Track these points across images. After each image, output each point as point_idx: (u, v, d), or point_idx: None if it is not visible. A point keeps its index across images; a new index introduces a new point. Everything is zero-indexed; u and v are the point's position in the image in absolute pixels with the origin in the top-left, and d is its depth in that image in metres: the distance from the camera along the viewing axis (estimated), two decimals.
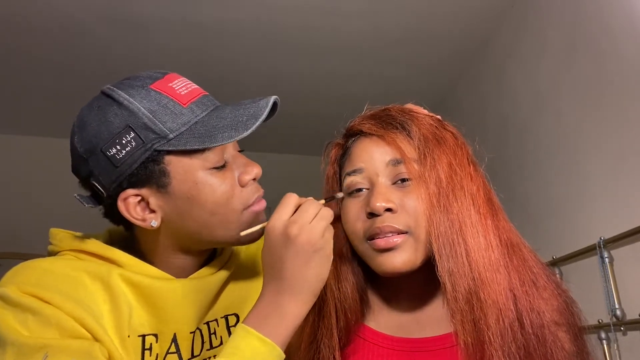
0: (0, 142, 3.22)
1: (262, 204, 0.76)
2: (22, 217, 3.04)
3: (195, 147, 0.67)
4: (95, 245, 0.73)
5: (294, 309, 0.62)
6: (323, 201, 0.70)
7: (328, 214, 0.65)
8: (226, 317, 0.80)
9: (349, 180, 0.74)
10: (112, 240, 0.79)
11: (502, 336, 0.63)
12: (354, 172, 0.73)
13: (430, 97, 2.77)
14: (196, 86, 0.73)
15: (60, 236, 0.75)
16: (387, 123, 0.74)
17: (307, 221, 0.63)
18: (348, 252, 0.76)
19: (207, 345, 0.76)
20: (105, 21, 2.20)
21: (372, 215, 0.69)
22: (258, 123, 0.68)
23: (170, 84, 0.70)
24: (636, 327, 1.40)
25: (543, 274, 0.71)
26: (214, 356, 0.75)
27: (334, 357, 0.71)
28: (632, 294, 1.41)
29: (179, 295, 0.73)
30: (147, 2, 2.09)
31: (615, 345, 1.46)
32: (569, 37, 1.76)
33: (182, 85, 0.71)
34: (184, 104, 0.69)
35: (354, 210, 0.72)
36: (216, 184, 0.71)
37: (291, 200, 0.66)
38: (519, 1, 2.09)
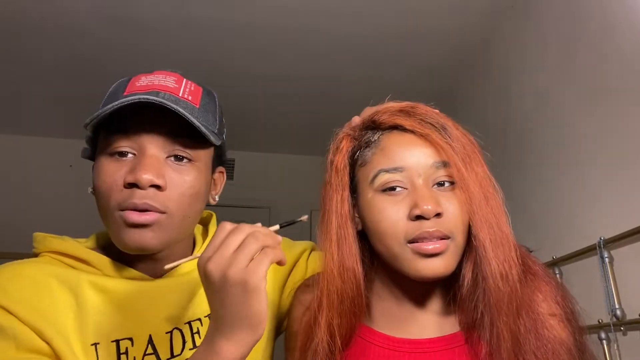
0: (0, 142, 3.22)
1: (131, 216, 0.68)
2: (21, 216, 3.04)
3: (85, 122, 0.70)
4: (71, 246, 0.74)
5: (226, 348, 0.57)
6: (259, 225, 0.61)
7: (255, 244, 0.57)
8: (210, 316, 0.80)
9: (385, 177, 0.70)
10: (99, 244, 0.79)
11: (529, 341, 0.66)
12: (394, 170, 0.70)
13: (430, 97, 2.75)
14: (167, 83, 0.73)
15: (39, 238, 0.76)
16: (427, 122, 0.72)
17: (224, 256, 0.57)
18: (354, 252, 0.74)
19: (189, 345, 0.75)
20: (105, 21, 2.20)
21: (419, 218, 0.67)
22: (107, 108, 0.68)
23: (145, 76, 0.75)
24: (636, 327, 1.40)
25: (540, 270, 0.74)
26: None
27: (333, 357, 0.70)
28: (632, 294, 1.41)
29: (152, 295, 0.73)
30: (147, 2, 2.09)
31: (615, 345, 1.46)
32: (569, 36, 1.76)
33: (149, 80, 0.74)
34: (124, 93, 0.72)
35: (393, 209, 0.69)
36: (103, 171, 0.71)
37: (220, 233, 0.59)
38: (519, 1, 2.09)
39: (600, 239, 1.49)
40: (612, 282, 1.46)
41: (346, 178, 0.75)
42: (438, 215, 0.67)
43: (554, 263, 1.71)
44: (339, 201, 0.74)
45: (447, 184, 0.70)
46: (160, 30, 2.27)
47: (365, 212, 0.72)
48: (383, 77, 2.63)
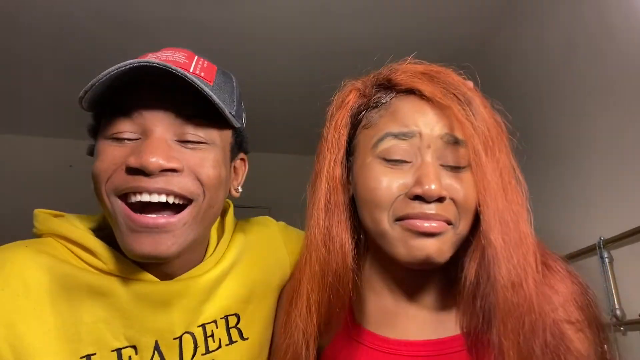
0: (0, 142, 3.22)
1: (143, 219, 0.59)
2: (21, 217, 3.04)
3: (79, 95, 0.60)
4: (77, 233, 0.64)
5: None
6: None
7: None
8: (226, 318, 0.72)
9: (391, 143, 0.61)
10: (101, 225, 0.71)
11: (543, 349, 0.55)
12: (403, 135, 0.61)
13: None
14: (176, 59, 0.65)
15: (41, 217, 0.67)
16: (450, 92, 0.62)
17: None
18: (343, 220, 0.64)
19: (201, 350, 0.67)
20: (105, 21, 2.20)
21: (418, 198, 0.58)
22: (102, 75, 0.59)
23: (152, 54, 0.67)
24: (636, 327, 1.39)
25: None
26: None
27: (309, 336, 0.64)
28: (632, 294, 1.41)
29: (161, 299, 0.65)
30: (147, 2, 2.09)
31: (615, 345, 1.46)
32: (569, 37, 1.76)
33: (155, 57, 0.66)
34: (141, 57, 0.64)
35: (391, 180, 0.60)
36: (102, 155, 0.60)
37: None
38: (519, 1, 2.09)
39: (600, 239, 1.49)
40: (612, 282, 1.46)
41: (344, 138, 0.66)
42: (440, 199, 0.58)
43: None
44: (332, 162, 0.65)
45: (463, 167, 0.61)
46: (159, 31, 2.26)
47: (359, 177, 0.64)
48: None
